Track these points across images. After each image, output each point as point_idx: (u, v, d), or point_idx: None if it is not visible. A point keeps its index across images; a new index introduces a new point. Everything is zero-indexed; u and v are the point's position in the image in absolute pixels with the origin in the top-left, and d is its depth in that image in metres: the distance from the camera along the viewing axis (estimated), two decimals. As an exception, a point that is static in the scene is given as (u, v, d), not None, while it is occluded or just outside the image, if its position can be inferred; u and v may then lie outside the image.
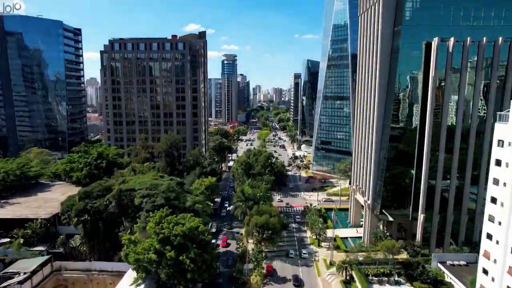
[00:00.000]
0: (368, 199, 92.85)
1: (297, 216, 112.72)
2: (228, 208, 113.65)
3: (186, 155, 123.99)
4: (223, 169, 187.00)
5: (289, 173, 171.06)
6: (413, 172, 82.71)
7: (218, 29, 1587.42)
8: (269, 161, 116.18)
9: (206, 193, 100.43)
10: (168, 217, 65.08)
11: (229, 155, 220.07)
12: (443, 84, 78.49)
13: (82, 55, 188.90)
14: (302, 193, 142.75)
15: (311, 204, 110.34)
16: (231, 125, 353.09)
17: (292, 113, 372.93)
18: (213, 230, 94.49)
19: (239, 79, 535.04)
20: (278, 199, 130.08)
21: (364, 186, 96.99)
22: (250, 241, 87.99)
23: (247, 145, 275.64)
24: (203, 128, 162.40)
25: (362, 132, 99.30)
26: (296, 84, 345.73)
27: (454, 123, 79.58)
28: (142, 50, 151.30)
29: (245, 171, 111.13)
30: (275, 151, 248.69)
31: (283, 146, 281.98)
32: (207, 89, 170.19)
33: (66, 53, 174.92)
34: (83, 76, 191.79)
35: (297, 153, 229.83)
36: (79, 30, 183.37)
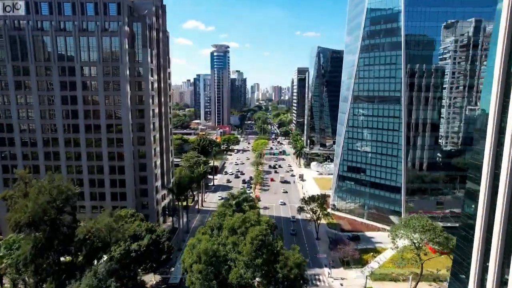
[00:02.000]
0: None
1: None
2: None
3: (77, 230, 57.11)
4: (200, 205, 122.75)
5: (297, 216, 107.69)
6: None
7: (217, 27, 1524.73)
8: (264, 245, 48.00)
9: None
10: None
11: (210, 177, 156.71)
12: None
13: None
14: (326, 272, 78.45)
15: None
16: (221, 131, 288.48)
17: (294, 114, 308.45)
18: None
19: (234, 75, 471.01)
20: None
21: None
22: None
23: (235, 169, 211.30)
24: (158, 149, 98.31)
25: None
26: (300, 81, 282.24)
27: None
28: (45, 15, 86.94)
29: (209, 279, 43.82)
30: (275, 165, 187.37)
31: (283, 152, 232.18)
32: (166, 83, 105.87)
33: None
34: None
35: (306, 175, 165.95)
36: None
